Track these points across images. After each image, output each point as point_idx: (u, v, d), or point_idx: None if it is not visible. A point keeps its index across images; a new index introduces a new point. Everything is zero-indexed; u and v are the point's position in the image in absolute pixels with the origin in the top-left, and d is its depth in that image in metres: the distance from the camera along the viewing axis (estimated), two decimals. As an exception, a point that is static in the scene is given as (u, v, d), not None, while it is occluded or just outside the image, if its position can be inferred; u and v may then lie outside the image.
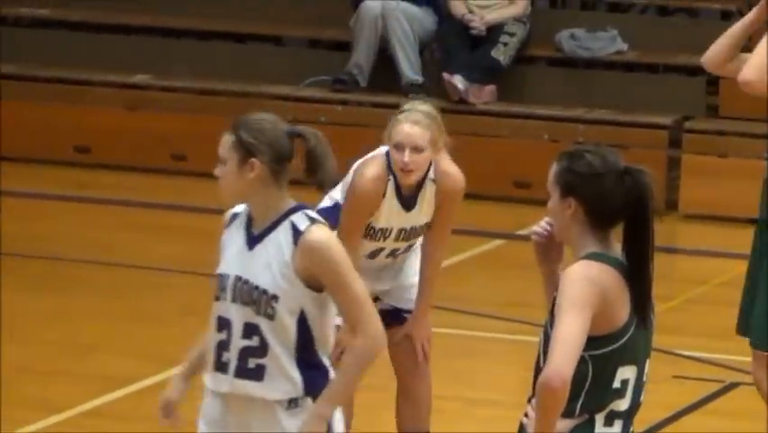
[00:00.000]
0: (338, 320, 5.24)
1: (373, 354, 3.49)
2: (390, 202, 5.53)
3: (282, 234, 3.31)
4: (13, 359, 8.08)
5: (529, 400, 2.94)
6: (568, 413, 2.84)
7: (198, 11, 12.72)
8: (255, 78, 12.13)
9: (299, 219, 3.25)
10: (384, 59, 11.60)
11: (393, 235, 5.64)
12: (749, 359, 6.56)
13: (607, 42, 11.43)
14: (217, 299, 3.42)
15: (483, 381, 8.17)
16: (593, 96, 11.68)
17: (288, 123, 3.25)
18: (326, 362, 3.35)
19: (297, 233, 3.25)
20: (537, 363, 2.92)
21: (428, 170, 5.50)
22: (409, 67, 11.38)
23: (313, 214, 3.30)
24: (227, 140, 3.24)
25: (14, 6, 13.32)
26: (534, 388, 2.89)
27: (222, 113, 9.91)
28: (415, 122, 5.35)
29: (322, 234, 3.28)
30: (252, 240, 3.33)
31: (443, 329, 7.42)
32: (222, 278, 3.43)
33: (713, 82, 11.20)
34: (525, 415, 2.91)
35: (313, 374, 3.31)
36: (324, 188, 3.47)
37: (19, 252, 10.38)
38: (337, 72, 11.54)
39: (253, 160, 3.11)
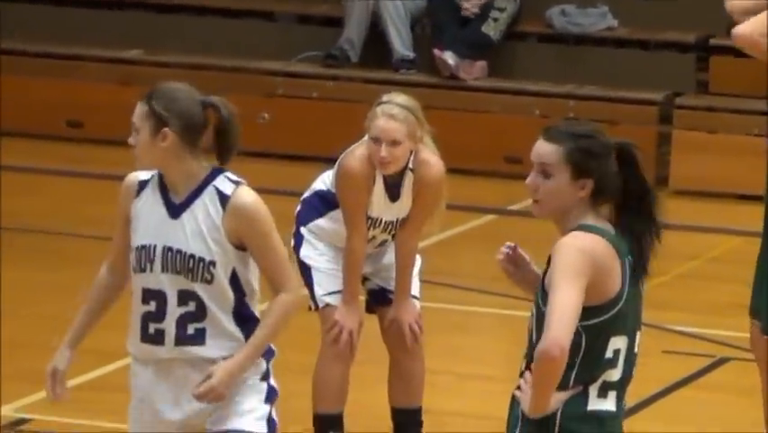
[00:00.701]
0: (331, 300, 5.37)
1: (297, 307, 3.59)
2: (378, 191, 5.66)
3: (208, 199, 3.34)
4: (7, 333, 7.91)
5: (521, 375, 2.92)
6: (562, 385, 2.82)
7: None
8: (247, 54, 12.33)
9: (222, 183, 3.31)
10: (375, 35, 11.68)
11: (381, 226, 5.77)
12: (739, 334, 6.93)
13: (597, 18, 11.73)
14: (142, 270, 3.42)
15: (475, 355, 8.13)
16: (584, 72, 11.81)
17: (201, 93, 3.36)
18: (257, 312, 3.44)
19: (223, 197, 3.29)
20: (530, 338, 2.91)
21: (408, 160, 5.67)
22: (400, 42, 11.45)
23: (234, 176, 3.35)
24: (140, 109, 3.29)
25: (7, -19, 13.32)
26: (526, 362, 2.90)
27: (214, 88, 9.52)
28: (391, 116, 5.44)
29: (248, 196, 3.34)
30: (175, 209, 3.34)
31: (435, 304, 7.70)
32: (146, 249, 3.40)
33: (703, 59, 11.31)
34: (518, 388, 2.91)
35: (249, 326, 3.40)
36: (227, 157, 3.46)
37: (13, 225, 10.34)
38: (329, 48, 11.57)
39: (165, 129, 3.15)
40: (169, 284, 3.48)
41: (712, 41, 11.62)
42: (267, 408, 3.60)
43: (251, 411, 3.57)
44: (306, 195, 5.98)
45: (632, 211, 2.98)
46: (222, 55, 12.47)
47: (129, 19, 13.40)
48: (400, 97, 5.65)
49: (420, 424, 6.29)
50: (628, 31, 12.30)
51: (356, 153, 5.69)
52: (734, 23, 5.99)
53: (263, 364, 3.51)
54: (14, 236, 10.49)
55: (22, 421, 7.23)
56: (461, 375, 7.67)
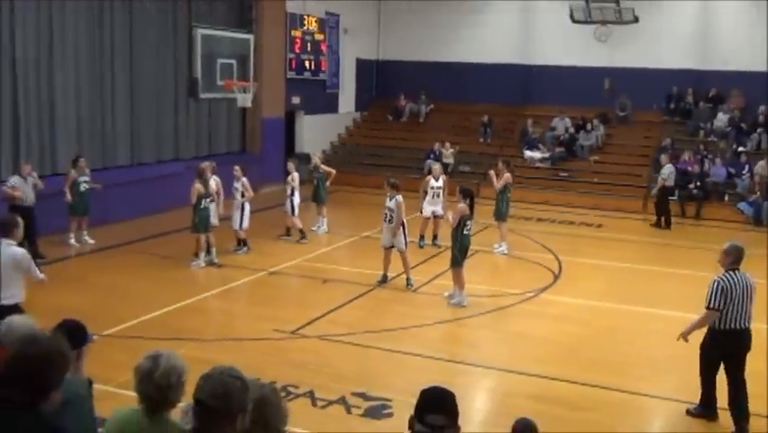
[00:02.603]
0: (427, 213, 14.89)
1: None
2: (434, 181, 14.49)
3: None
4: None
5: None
6: (457, 227, 10.88)
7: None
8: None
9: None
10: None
11: (435, 189, 14.34)
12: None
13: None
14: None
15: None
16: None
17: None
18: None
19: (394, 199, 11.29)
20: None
21: (440, 175, 14.58)
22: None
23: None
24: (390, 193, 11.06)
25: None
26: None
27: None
28: (436, 169, 14.85)
29: (400, 197, 11.44)
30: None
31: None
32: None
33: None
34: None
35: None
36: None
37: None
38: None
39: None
40: (388, 210, 11.57)
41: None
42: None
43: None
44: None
45: (470, 200, 10.73)
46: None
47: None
48: (437, 166, 15.49)
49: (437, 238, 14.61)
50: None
51: (428, 176, 14.71)
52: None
53: None
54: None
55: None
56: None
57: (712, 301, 7.08)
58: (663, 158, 18.75)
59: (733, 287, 6.99)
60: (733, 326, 7.03)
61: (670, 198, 18.60)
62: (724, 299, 7.02)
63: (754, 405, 7.46)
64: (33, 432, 2.64)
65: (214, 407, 2.84)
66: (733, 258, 7.11)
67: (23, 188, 12.87)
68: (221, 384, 2.89)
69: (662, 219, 18.02)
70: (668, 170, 18.25)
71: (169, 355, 3.65)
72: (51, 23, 15.17)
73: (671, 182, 18.23)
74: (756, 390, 7.62)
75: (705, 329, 7.35)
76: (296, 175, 15.04)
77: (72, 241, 14.15)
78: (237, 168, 13.90)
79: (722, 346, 7.13)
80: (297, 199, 14.92)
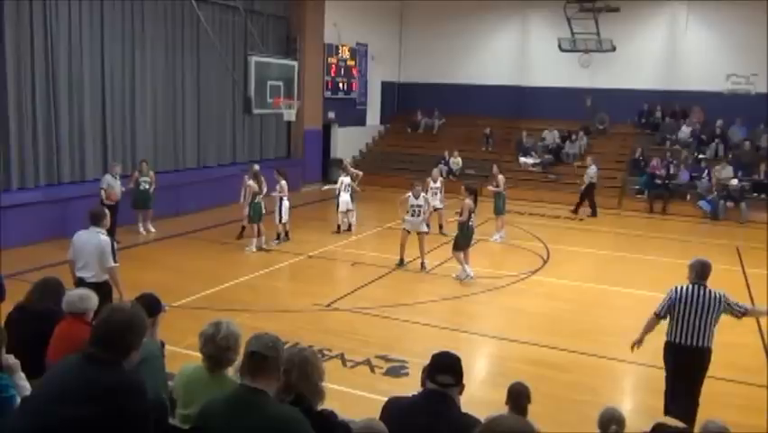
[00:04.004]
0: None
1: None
2: (433, 183, 13.35)
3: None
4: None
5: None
6: (463, 224, 10.24)
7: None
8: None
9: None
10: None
11: (434, 189, 13.30)
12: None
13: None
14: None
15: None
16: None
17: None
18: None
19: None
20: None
21: (438, 178, 13.59)
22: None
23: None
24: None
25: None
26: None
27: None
28: (433, 174, 13.51)
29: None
30: None
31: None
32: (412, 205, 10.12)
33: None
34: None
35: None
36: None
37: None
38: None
39: None
40: (416, 206, 10.70)
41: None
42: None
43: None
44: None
45: (474, 196, 10.38)
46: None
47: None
48: (436, 170, 14.34)
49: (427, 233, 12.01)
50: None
51: (429, 177, 13.57)
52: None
53: None
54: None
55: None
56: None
57: (657, 306, 5.76)
58: (589, 159, 18.57)
59: (683, 300, 5.54)
60: (680, 341, 5.54)
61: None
62: (669, 309, 5.64)
63: (754, 378, 7.35)
64: (117, 383, 2.65)
65: (269, 356, 2.88)
66: (695, 273, 5.65)
67: (113, 184, 12.76)
68: (269, 340, 2.96)
69: (592, 209, 18.34)
70: (593, 171, 18.23)
71: (228, 323, 3.67)
72: (134, 52, 15.23)
73: (595, 180, 18.21)
74: (755, 363, 7.73)
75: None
76: (343, 179, 14.74)
77: (141, 230, 14.07)
78: (276, 171, 13.51)
79: (673, 359, 5.63)
80: (343, 198, 14.55)
